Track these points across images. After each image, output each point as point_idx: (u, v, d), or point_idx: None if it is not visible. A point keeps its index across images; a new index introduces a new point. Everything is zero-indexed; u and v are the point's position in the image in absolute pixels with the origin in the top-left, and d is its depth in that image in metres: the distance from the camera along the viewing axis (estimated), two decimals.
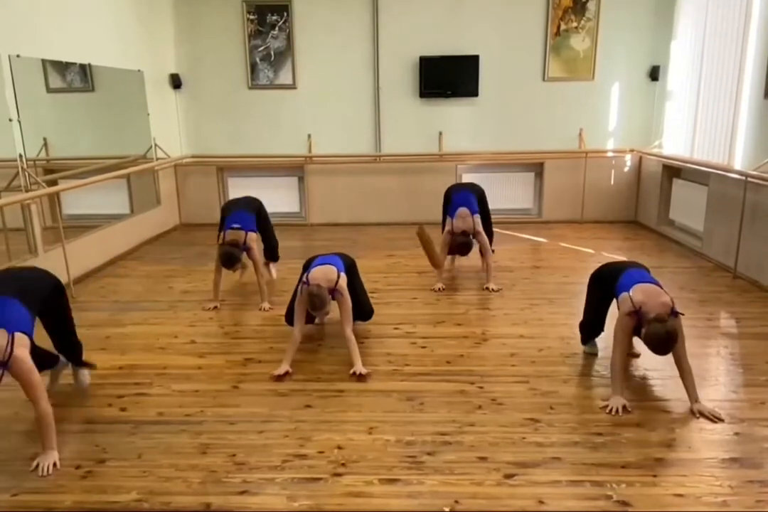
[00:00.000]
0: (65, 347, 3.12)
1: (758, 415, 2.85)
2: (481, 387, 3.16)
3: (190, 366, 3.47)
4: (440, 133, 7.17)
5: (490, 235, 5.06)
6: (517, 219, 7.36)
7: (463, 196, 4.91)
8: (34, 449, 2.65)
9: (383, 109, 7.17)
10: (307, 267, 3.69)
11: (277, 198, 7.53)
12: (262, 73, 7.10)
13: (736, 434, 2.70)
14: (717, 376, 3.29)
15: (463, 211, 4.78)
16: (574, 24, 6.85)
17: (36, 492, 2.37)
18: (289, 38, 6.97)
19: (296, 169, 7.39)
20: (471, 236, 4.72)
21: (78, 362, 3.22)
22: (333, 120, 7.20)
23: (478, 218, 4.80)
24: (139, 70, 6.27)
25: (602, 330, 3.49)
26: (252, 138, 7.25)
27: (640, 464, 2.48)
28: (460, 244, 4.67)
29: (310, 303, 3.32)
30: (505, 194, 7.41)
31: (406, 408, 2.97)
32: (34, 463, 2.52)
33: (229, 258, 4.22)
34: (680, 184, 6.33)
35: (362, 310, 3.83)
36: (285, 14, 6.91)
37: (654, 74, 6.88)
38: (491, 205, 7.38)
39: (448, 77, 6.95)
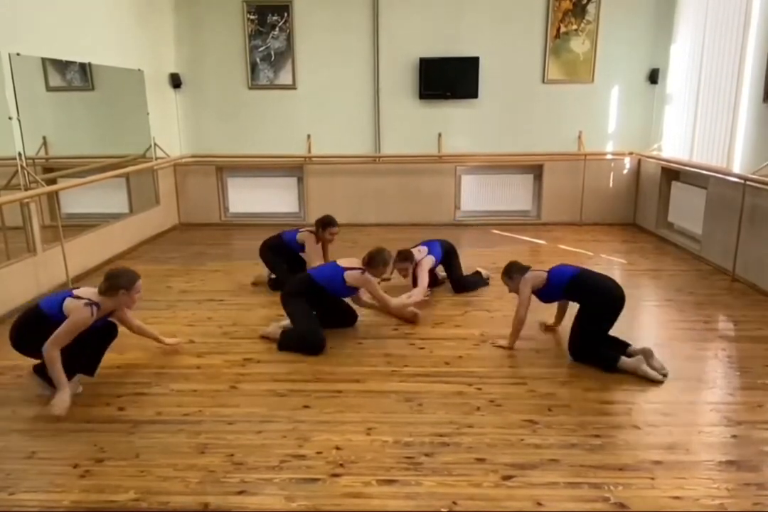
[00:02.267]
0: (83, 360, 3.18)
1: (756, 418, 2.86)
2: (479, 389, 3.16)
3: (189, 366, 3.47)
4: (439, 135, 7.18)
5: (461, 277, 4.82)
6: (516, 221, 7.38)
7: (429, 242, 4.76)
8: (31, 448, 2.66)
9: (383, 110, 7.18)
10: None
11: (276, 198, 7.56)
12: (262, 73, 7.10)
13: (734, 437, 2.71)
14: (715, 379, 3.29)
15: (421, 247, 4.66)
16: (574, 26, 6.87)
17: (33, 491, 2.37)
18: (290, 39, 6.98)
19: (295, 169, 7.39)
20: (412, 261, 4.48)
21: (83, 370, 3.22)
22: (332, 120, 7.20)
23: (429, 259, 4.52)
24: (139, 69, 6.27)
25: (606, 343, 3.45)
26: (251, 138, 7.25)
27: (637, 466, 2.49)
28: (402, 255, 4.40)
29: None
30: (504, 196, 7.43)
31: (405, 409, 2.97)
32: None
33: None
34: (679, 186, 6.35)
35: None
36: (285, 14, 6.91)
37: (653, 77, 6.89)
38: (491, 207, 7.48)
39: (447, 79, 6.96)
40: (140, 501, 2.31)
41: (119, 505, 2.29)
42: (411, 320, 4.06)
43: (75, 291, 3.04)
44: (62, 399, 2.86)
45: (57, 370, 2.88)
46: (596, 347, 3.37)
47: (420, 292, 4.20)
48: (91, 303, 2.94)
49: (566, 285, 3.48)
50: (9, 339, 3.05)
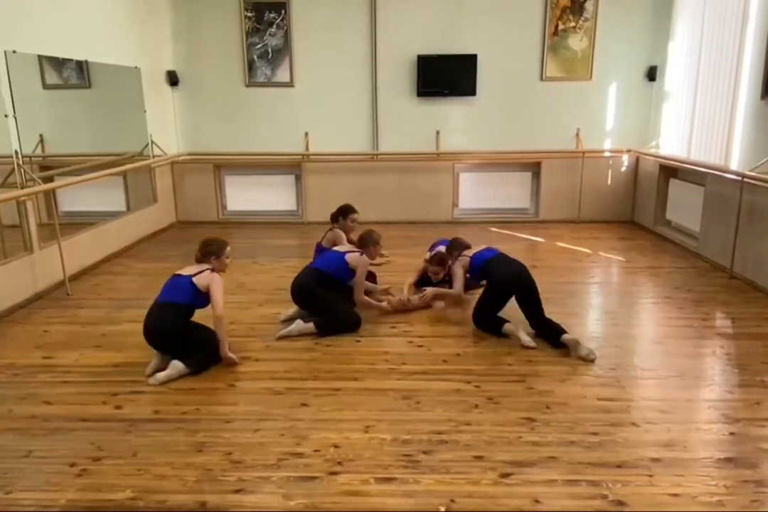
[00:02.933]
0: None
1: (753, 415, 2.86)
2: (477, 386, 3.16)
3: None
4: (437, 132, 7.17)
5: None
6: (514, 218, 7.36)
7: (444, 241, 4.79)
8: (27, 446, 2.65)
9: (380, 108, 7.16)
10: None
11: (274, 196, 7.55)
12: (260, 70, 7.08)
13: (732, 434, 2.71)
14: (713, 376, 3.29)
15: (442, 247, 4.64)
16: (572, 24, 6.85)
17: (30, 490, 2.36)
18: (287, 36, 6.96)
19: (293, 167, 7.37)
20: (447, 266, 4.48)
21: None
22: (330, 118, 7.19)
23: (464, 259, 4.38)
24: (136, 67, 6.25)
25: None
26: (249, 136, 7.23)
27: (635, 463, 2.48)
28: (437, 258, 4.41)
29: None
30: (502, 194, 7.42)
31: (403, 406, 2.97)
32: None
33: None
34: (677, 184, 6.34)
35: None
36: (283, 12, 6.89)
37: (651, 74, 6.88)
38: (489, 205, 7.48)
39: (445, 76, 6.94)
40: (137, 499, 2.30)
41: (116, 504, 2.28)
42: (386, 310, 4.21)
43: (187, 273, 3.42)
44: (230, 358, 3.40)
45: (224, 329, 3.40)
46: (488, 318, 3.85)
47: (457, 290, 4.22)
48: (211, 269, 3.43)
49: (480, 267, 3.99)
50: (155, 336, 3.34)
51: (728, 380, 3.25)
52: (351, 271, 3.98)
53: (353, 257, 3.99)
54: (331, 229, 4.80)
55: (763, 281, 4.62)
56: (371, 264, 4.34)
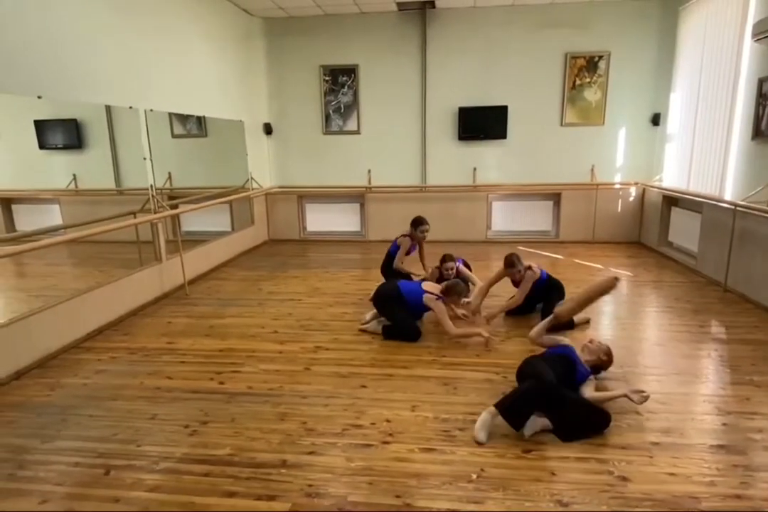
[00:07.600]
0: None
1: (743, 409, 2.70)
2: (505, 377, 3.11)
3: (273, 351, 3.56)
4: (474, 169, 7.14)
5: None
6: (538, 239, 7.22)
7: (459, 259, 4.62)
8: (153, 411, 2.77)
9: (428, 149, 7.20)
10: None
11: (343, 219, 7.66)
12: (334, 122, 7.26)
13: (724, 424, 2.56)
14: (707, 375, 3.13)
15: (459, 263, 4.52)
16: (588, 79, 6.72)
17: (154, 445, 2.46)
18: (356, 94, 7.12)
19: (358, 197, 7.49)
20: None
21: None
22: (388, 158, 7.27)
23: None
24: (240, 120, 6.53)
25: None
26: (325, 172, 7.40)
27: (638, 446, 2.39)
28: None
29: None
30: (528, 219, 7.29)
31: (443, 391, 2.96)
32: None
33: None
34: (678, 211, 6.07)
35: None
36: (352, 75, 7.06)
37: (655, 120, 6.65)
38: (517, 228, 7.36)
39: (481, 123, 6.92)
40: (234, 456, 2.38)
41: (218, 458, 2.37)
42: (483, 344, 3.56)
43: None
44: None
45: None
46: None
47: (499, 309, 3.95)
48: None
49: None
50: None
51: (721, 378, 3.08)
52: (422, 306, 3.68)
53: (429, 299, 3.64)
54: (403, 236, 4.62)
55: (754, 294, 4.35)
56: (453, 306, 3.88)
